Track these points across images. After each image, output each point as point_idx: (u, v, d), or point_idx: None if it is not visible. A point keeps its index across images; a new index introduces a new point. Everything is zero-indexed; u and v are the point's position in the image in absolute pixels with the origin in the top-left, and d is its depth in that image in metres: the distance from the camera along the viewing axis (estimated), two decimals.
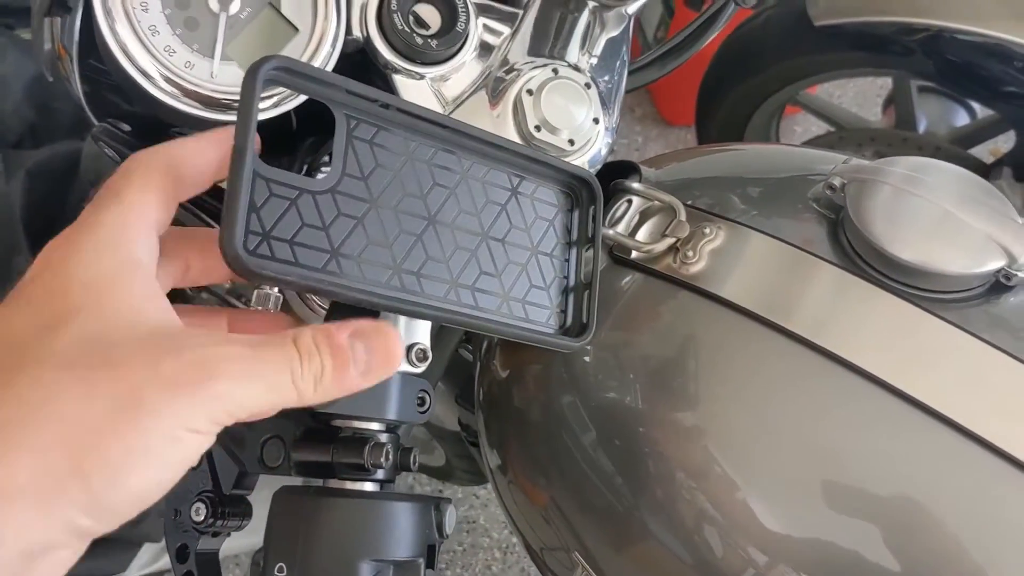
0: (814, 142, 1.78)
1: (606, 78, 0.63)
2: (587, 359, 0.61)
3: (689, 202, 0.63)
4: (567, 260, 0.55)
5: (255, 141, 0.41)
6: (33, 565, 0.34)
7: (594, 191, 0.55)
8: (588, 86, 0.60)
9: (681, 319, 0.60)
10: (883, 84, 2.35)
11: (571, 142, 0.59)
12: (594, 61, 0.63)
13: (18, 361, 0.35)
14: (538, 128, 0.58)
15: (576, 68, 0.61)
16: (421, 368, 0.51)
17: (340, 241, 0.43)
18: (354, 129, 0.45)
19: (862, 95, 2.46)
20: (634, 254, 0.62)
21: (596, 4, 0.63)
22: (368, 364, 0.39)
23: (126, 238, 0.39)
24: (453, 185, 0.48)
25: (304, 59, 0.57)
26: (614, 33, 0.65)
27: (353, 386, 0.39)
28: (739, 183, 0.67)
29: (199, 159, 0.43)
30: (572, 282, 0.55)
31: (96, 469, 0.34)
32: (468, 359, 0.89)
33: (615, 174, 0.72)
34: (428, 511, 0.48)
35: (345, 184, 0.44)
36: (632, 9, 0.65)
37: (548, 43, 0.63)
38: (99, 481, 0.34)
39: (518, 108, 0.59)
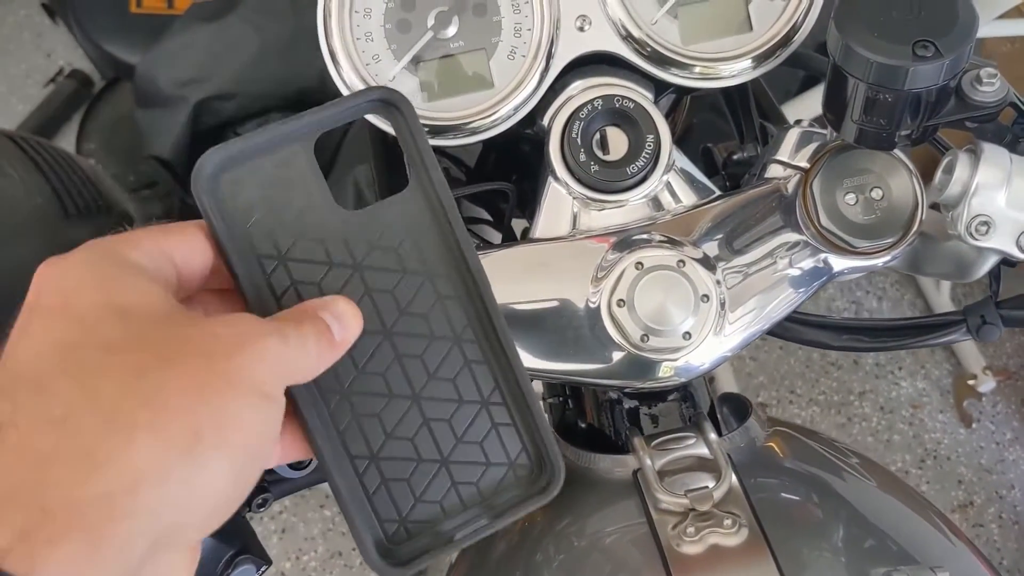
0: None
1: (750, 306, 0.54)
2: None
3: (747, 489, 0.53)
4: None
5: None
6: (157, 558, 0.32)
7: None
8: (705, 298, 0.52)
9: None
10: None
11: (644, 337, 0.52)
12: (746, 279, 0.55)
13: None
14: (620, 303, 0.52)
15: (711, 271, 0.53)
16: None
17: None
18: None
19: None
20: (646, 492, 0.53)
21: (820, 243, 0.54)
22: (341, 327, 0.39)
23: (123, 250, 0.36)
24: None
25: (483, 109, 0.56)
26: (794, 271, 0.55)
27: (340, 348, 0.39)
28: (837, 518, 0.55)
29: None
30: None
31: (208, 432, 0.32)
32: None
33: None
34: (220, 551, 0.45)
35: None
36: (853, 265, 0.56)
37: (728, 229, 0.56)
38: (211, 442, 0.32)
39: (622, 275, 0.52)
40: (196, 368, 0.33)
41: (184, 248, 0.38)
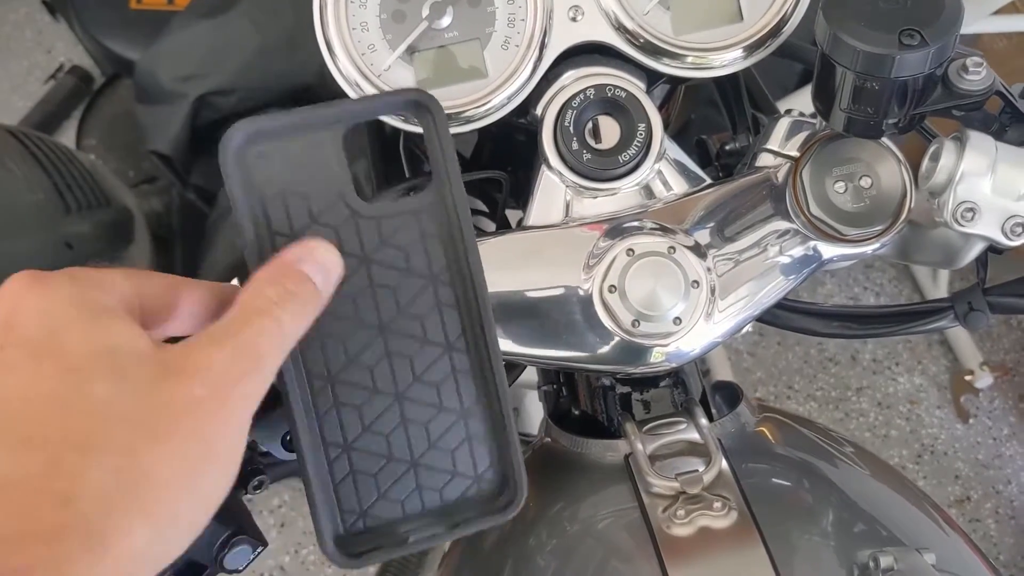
0: None
1: (741, 293, 0.55)
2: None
3: (737, 473, 0.53)
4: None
5: None
6: None
7: None
8: (695, 284, 0.52)
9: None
10: None
11: (635, 323, 0.52)
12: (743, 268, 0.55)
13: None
14: (612, 289, 0.52)
15: (701, 258, 0.53)
16: None
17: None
18: None
19: None
20: (638, 476, 0.54)
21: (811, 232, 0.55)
22: (324, 277, 0.39)
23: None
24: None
25: (477, 98, 0.57)
26: (784, 259, 0.56)
27: (324, 295, 0.39)
28: (827, 494, 0.56)
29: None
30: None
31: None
32: None
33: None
34: (216, 532, 0.46)
35: None
36: (852, 252, 0.56)
37: (719, 217, 0.57)
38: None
39: (614, 262, 0.53)
40: (183, 449, 0.33)
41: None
